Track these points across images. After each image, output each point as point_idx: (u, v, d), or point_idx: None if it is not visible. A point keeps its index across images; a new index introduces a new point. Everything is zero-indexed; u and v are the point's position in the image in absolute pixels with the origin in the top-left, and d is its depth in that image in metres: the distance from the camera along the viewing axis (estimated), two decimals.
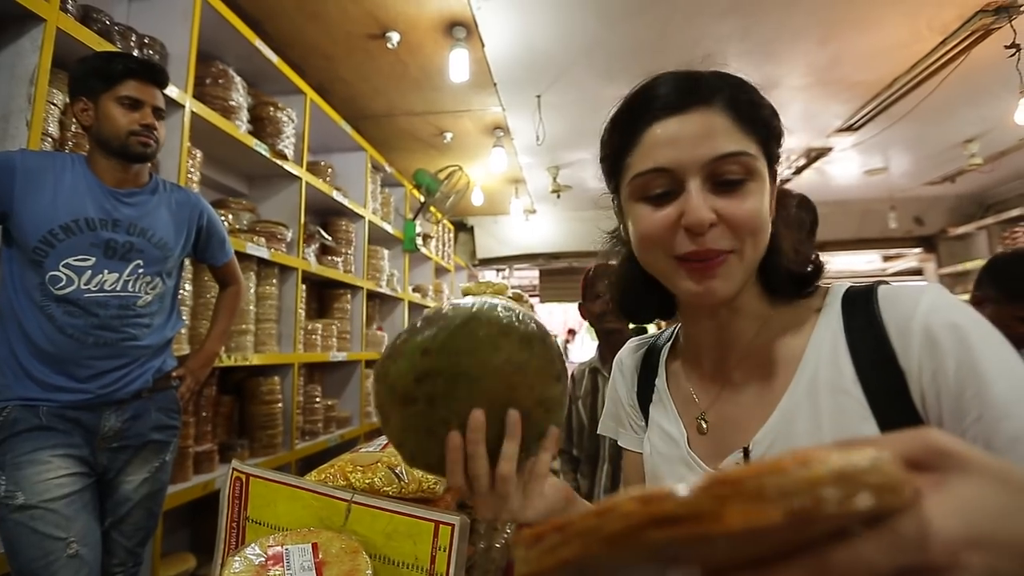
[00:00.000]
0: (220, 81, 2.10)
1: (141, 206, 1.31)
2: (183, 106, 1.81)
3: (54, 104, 1.41)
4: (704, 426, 0.59)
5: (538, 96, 3.28)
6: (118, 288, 1.24)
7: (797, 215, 0.59)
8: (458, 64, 2.67)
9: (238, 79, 2.19)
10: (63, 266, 1.18)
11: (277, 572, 0.64)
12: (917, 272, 6.91)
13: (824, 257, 0.58)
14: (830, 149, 4.30)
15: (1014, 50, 2.48)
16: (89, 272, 1.20)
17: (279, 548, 0.68)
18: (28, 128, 1.29)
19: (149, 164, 1.36)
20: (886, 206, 5.54)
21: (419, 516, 0.72)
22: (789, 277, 0.55)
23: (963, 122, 3.75)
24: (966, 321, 0.46)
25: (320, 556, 0.68)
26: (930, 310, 0.48)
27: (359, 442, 3.02)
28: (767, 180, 0.52)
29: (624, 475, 0.76)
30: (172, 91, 1.71)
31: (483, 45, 2.70)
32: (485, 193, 5.01)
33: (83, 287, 1.20)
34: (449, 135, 3.89)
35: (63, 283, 1.18)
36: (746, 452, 0.53)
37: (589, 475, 1.64)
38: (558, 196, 4.74)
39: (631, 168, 0.53)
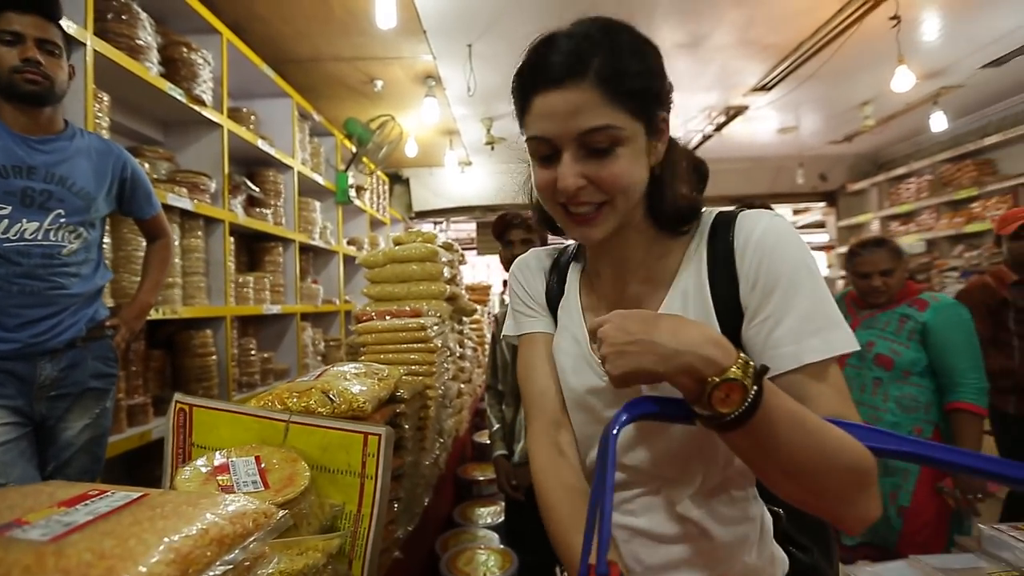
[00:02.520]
0: (123, 17, 1.96)
1: (57, 153, 1.26)
2: (84, 44, 1.69)
3: None
4: None
5: (469, 45, 3.25)
6: (39, 237, 1.22)
7: (690, 166, 0.69)
8: (385, 9, 2.60)
9: (144, 15, 2.04)
10: None
11: (224, 478, 0.75)
12: (820, 225, 7.59)
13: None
14: (747, 107, 4.57)
15: (895, 21, 2.75)
16: (6, 221, 1.18)
17: (224, 460, 0.78)
18: None
19: (60, 108, 1.31)
20: (796, 163, 6.00)
21: (350, 429, 0.84)
22: (672, 216, 0.66)
23: (859, 86, 4.11)
24: (784, 239, 0.60)
25: (263, 465, 0.79)
26: (763, 231, 0.61)
27: None
28: (639, 142, 0.60)
29: (527, 359, 0.79)
30: (69, 27, 1.59)
31: None
32: (419, 144, 4.94)
33: (1, 236, 1.17)
34: (379, 83, 3.79)
35: None
36: None
37: (513, 406, 1.83)
38: (492, 148, 4.77)
39: (526, 129, 0.64)
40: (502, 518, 2.14)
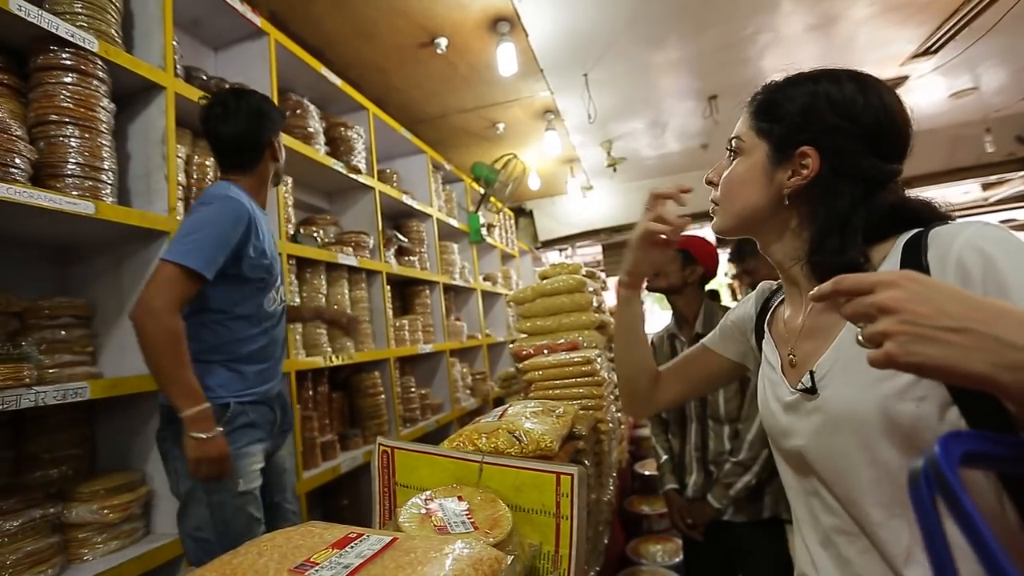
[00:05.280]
0: (298, 112, 2.32)
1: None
2: None
3: (179, 157, 1.66)
4: (793, 360, 0.70)
5: (585, 74, 3.30)
6: (277, 300, 1.52)
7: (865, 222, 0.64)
8: (506, 58, 2.76)
9: (312, 107, 2.40)
10: (271, 287, 1.48)
11: (437, 518, 0.80)
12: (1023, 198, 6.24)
13: (913, 193, 0.65)
14: (906, 77, 3.98)
15: None
16: (272, 290, 1.49)
17: (434, 502, 0.83)
18: (167, 182, 1.54)
19: None
20: (980, 129, 5.04)
21: (542, 469, 0.85)
22: (813, 265, 0.66)
23: None
24: (997, 248, 0.49)
25: (466, 505, 0.83)
26: (964, 243, 0.51)
27: (453, 426, 3.25)
28: (757, 159, 0.68)
29: (684, 359, 0.97)
30: None
31: (527, 35, 2.77)
32: (541, 176, 5.08)
33: (272, 302, 1.49)
34: (501, 125, 4.00)
35: (268, 301, 1.48)
36: (812, 374, 0.64)
37: (679, 435, 1.72)
38: (614, 170, 4.73)
39: None
40: (679, 558, 2.00)
